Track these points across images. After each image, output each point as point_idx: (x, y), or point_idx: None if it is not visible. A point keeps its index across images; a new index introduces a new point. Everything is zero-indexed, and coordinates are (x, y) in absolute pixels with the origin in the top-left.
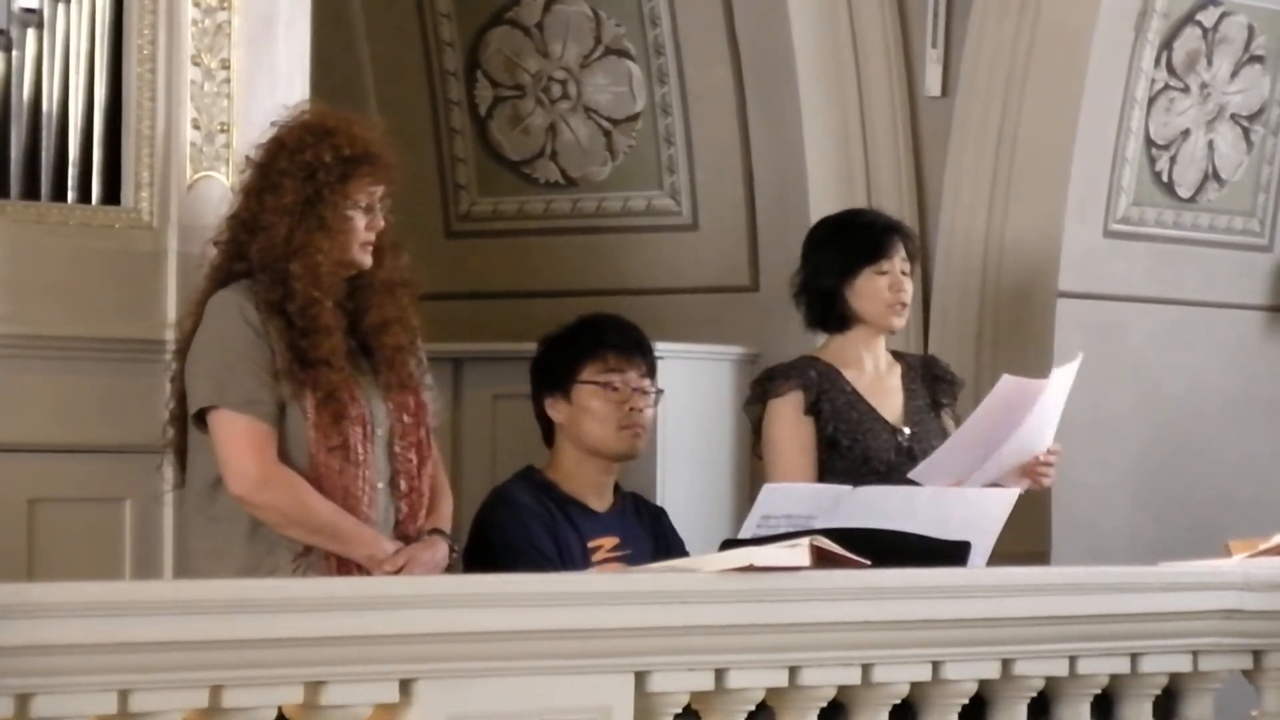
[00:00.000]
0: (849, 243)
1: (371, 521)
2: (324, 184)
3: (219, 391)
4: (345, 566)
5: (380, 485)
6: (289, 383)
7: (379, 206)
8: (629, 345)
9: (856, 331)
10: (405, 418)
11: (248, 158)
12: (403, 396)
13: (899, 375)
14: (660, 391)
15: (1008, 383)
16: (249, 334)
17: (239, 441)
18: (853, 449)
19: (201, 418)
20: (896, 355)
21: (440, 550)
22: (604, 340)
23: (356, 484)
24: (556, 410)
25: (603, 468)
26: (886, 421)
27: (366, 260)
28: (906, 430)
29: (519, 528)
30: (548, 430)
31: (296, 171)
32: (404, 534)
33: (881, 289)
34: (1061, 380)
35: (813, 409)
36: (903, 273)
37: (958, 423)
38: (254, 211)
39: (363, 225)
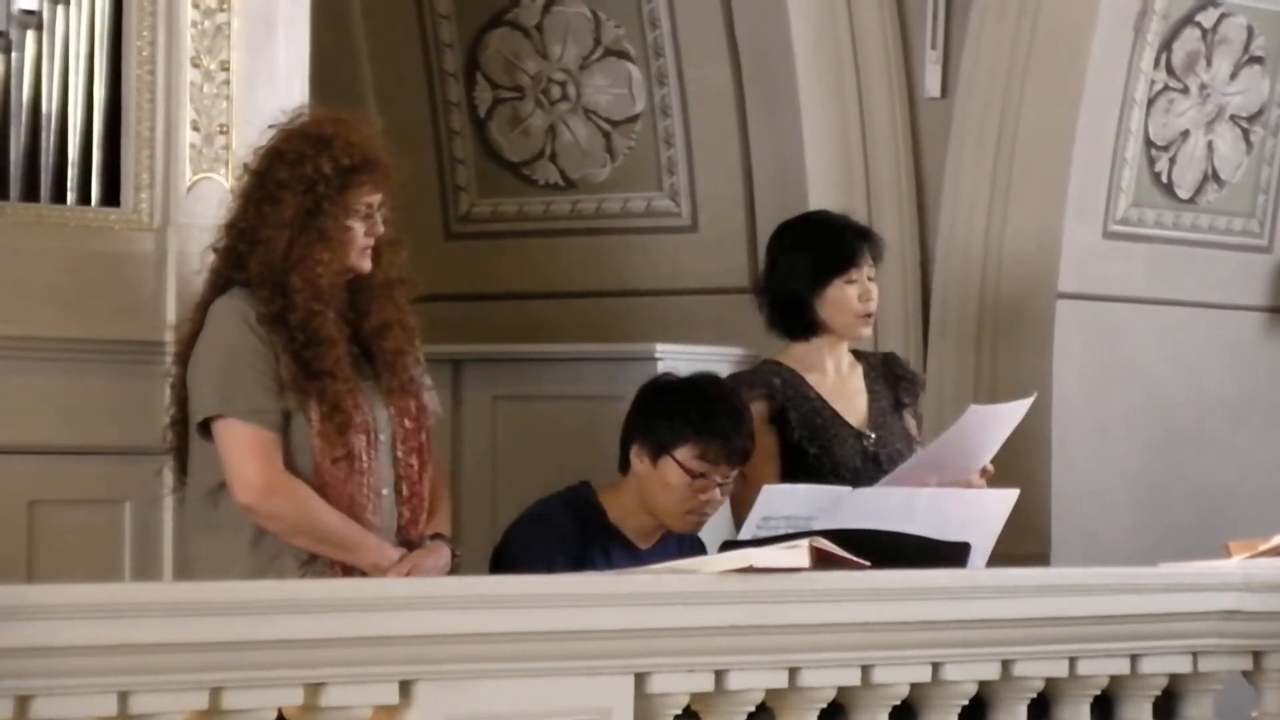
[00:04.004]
0: (819, 251)
1: (376, 529)
2: (323, 196)
3: (224, 400)
4: (351, 575)
5: (385, 492)
6: (294, 393)
7: (378, 212)
8: (733, 438)
9: (821, 338)
10: (406, 422)
11: (245, 165)
12: (404, 401)
13: (861, 376)
14: (743, 476)
15: (976, 412)
16: (254, 341)
17: (245, 450)
18: (820, 456)
19: (205, 425)
20: (858, 355)
21: (444, 556)
22: (712, 427)
23: (361, 492)
24: (639, 458)
25: (656, 523)
26: (852, 426)
27: (366, 265)
28: (872, 435)
29: (540, 549)
30: (626, 455)
31: (295, 184)
32: (406, 539)
33: (851, 299)
34: (1016, 413)
35: (778, 418)
36: (869, 279)
37: (919, 422)
38: (253, 222)
39: (362, 233)
